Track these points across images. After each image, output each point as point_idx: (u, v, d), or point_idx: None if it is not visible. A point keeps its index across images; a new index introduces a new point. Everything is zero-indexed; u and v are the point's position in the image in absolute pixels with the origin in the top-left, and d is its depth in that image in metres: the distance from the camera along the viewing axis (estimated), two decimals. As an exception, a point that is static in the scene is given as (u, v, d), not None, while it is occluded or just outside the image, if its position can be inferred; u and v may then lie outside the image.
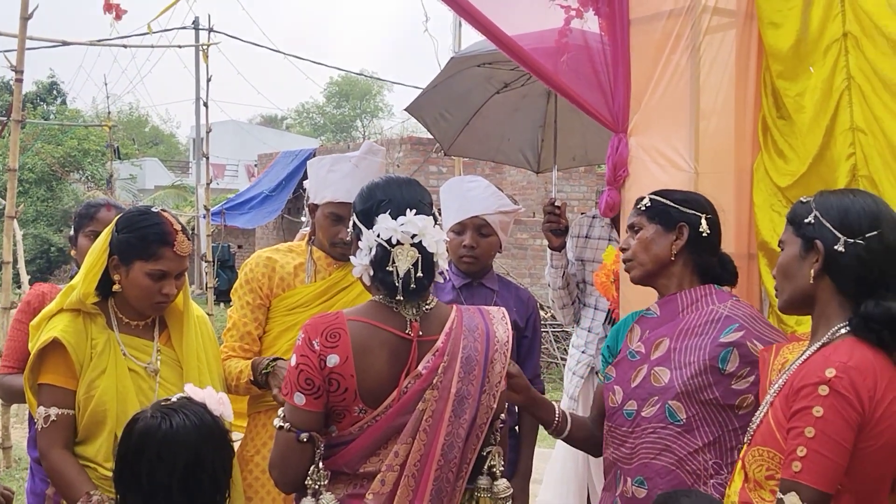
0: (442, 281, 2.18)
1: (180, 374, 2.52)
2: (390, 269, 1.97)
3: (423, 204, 2.05)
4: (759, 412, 1.95)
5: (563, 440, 2.55)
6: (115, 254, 2.44)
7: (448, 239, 2.50)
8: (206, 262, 9.51)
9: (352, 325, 1.98)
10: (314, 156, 3.04)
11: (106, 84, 19.35)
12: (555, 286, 3.65)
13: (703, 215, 2.36)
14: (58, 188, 22.36)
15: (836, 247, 1.86)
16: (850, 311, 1.86)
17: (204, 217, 8.95)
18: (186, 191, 23.17)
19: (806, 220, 1.92)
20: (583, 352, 3.70)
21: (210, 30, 10.83)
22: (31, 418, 2.78)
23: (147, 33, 7.36)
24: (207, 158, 8.13)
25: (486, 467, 2.12)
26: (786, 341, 2.11)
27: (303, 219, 3.12)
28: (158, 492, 1.85)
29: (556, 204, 3.58)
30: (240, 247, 19.31)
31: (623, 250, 2.46)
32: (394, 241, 1.98)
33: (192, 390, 1.98)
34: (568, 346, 4.43)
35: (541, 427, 3.32)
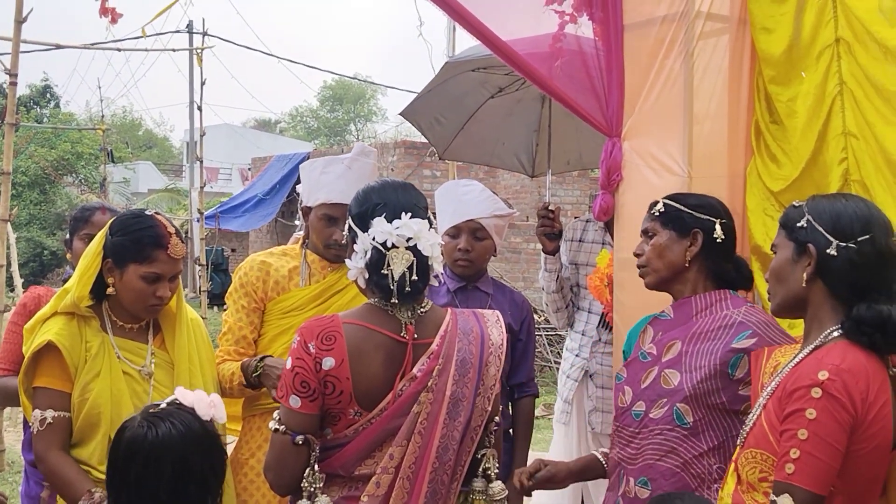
0: (437, 284, 2.18)
1: (175, 376, 2.51)
2: (385, 272, 1.98)
3: (419, 208, 2.06)
4: (751, 414, 1.95)
5: None
6: (109, 257, 2.43)
7: (443, 242, 2.51)
8: (199, 265, 9.48)
9: (347, 328, 1.99)
10: (308, 159, 3.03)
11: (100, 87, 19.45)
12: (549, 290, 3.66)
13: (718, 220, 2.34)
14: (51, 191, 22.29)
15: (828, 250, 1.87)
16: (842, 315, 1.87)
17: (198, 220, 8.93)
18: (180, 194, 23.12)
19: (798, 224, 1.93)
20: (577, 355, 3.70)
21: (204, 33, 10.82)
22: (25, 421, 2.77)
23: (141, 37, 7.32)
24: (201, 162, 8.10)
25: (480, 470, 2.14)
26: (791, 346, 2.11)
27: (297, 222, 3.12)
28: (147, 498, 1.85)
29: (549, 208, 3.58)
30: (233, 250, 19.28)
31: (637, 255, 2.44)
32: (389, 245, 1.99)
33: (181, 393, 1.97)
34: (562, 349, 4.43)
35: (535, 429, 3.34)
